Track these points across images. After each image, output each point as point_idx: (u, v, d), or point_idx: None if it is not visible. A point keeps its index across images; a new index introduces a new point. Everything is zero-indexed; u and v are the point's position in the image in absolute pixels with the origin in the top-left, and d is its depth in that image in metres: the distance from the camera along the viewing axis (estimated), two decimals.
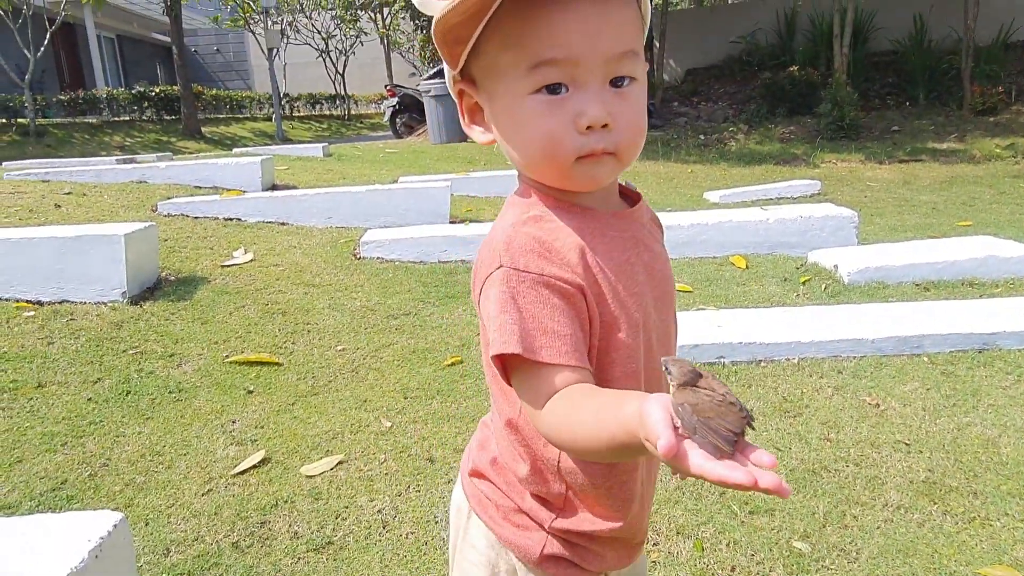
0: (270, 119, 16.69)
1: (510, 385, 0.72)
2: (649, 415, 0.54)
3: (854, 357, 2.66)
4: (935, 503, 1.80)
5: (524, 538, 0.82)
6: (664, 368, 0.61)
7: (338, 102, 21.44)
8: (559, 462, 0.78)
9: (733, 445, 0.54)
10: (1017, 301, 3.03)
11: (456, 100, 0.78)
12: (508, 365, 0.70)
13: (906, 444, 2.08)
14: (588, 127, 0.68)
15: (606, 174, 0.73)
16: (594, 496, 0.80)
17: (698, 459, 0.52)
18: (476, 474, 0.87)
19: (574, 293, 0.70)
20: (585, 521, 0.80)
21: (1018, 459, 1.97)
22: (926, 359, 2.62)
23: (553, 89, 0.68)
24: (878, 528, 1.72)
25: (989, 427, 2.14)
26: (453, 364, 2.75)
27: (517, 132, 0.72)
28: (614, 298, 0.73)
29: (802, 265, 3.85)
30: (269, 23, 15.78)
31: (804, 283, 3.57)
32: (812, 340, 2.70)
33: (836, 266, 3.59)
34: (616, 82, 0.69)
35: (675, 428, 0.54)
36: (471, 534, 0.87)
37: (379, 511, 1.88)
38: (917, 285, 3.42)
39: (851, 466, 1.99)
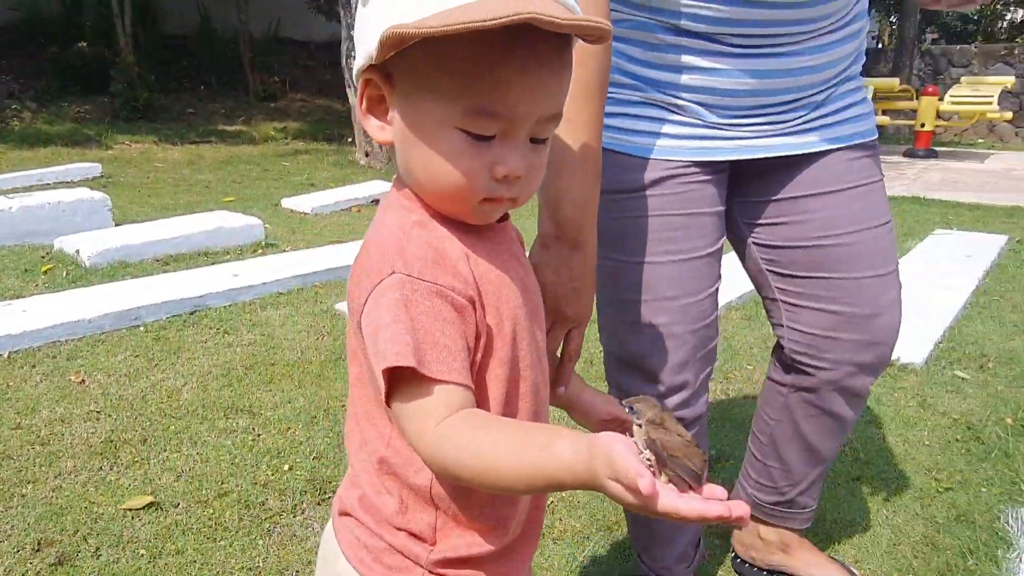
0: None
1: (388, 405, 0.65)
2: (620, 455, 0.54)
3: (72, 339, 2.71)
4: (107, 459, 1.99)
5: None
6: (628, 409, 0.64)
7: None
8: (431, 489, 0.72)
9: (698, 482, 0.58)
10: (225, 266, 3.55)
11: (356, 80, 0.69)
12: (392, 381, 0.63)
13: (97, 412, 2.23)
14: (504, 176, 0.66)
15: (499, 214, 0.73)
16: (471, 517, 0.74)
17: (671, 497, 0.54)
18: (345, 514, 0.78)
19: (466, 305, 0.67)
20: (462, 546, 0.74)
21: (193, 400, 2.32)
22: (143, 328, 2.85)
23: (480, 136, 0.65)
24: (44, 499, 1.81)
25: (178, 379, 2.47)
26: None
27: (429, 158, 0.67)
28: (495, 312, 0.70)
29: (48, 254, 3.70)
30: None
31: (46, 272, 3.45)
32: (24, 331, 2.63)
33: (78, 251, 3.57)
34: (535, 139, 0.67)
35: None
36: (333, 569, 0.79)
37: None
38: (158, 261, 3.67)
39: (36, 447, 2.03)
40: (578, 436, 0.58)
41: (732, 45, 1.09)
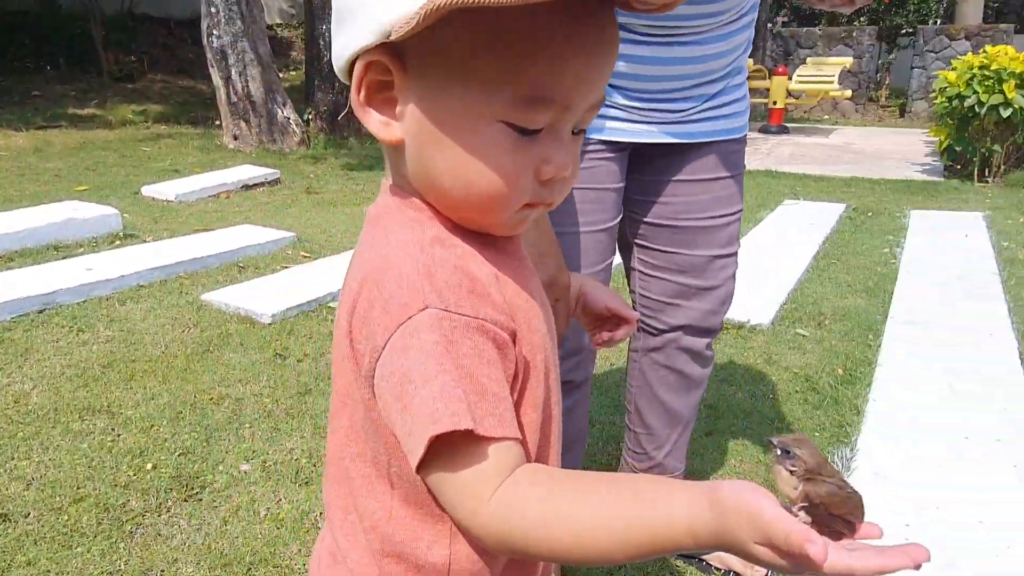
0: None
1: (417, 472, 0.52)
2: (776, 520, 0.44)
3: None
4: None
5: None
6: (782, 451, 0.51)
7: None
8: (449, 567, 0.61)
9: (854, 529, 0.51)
10: (78, 260, 3.34)
11: (347, 71, 0.56)
12: (434, 445, 0.50)
13: None
14: (548, 179, 0.55)
15: (524, 226, 0.61)
16: None
17: (842, 556, 0.45)
18: None
19: (507, 341, 0.56)
20: None
21: (43, 404, 2.19)
22: None
23: (526, 131, 0.53)
24: None
25: (26, 382, 2.32)
26: None
27: (460, 159, 0.53)
28: (529, 344, 0.59)
29: None
30: None
31: None
32: None
33: None
34: (576, 130, 0.56)
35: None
36: None
37: None
38: (1, 257, 3.40)
39: None
40: (690, 489, 0.48)
41: (644, 34, 1.17)
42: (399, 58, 0.53)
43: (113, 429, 2.07)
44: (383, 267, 0.55)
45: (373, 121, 0.56)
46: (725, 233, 1.38)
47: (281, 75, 8.02)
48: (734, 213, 1.39)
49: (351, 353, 0.57)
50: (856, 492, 0.50)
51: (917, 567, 0.45)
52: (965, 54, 6.37)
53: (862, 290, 3.42)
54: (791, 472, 0.50)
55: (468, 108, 0.52)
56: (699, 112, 1.29)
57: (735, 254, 1.43)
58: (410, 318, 0.52)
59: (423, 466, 0.51)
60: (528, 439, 0.59)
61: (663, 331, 1.44)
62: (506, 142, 0.53)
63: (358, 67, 0.54)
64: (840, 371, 2.56)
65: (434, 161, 0.55)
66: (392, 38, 0.50)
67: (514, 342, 0.56)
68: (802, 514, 0.48)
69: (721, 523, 0.46)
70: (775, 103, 9.33)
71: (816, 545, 0.42)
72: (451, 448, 0.50)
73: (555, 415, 0.64)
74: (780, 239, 4.21)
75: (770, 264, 3.67)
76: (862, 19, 12.08)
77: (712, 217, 1.36)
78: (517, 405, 0.58)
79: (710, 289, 1.40)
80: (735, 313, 2.66)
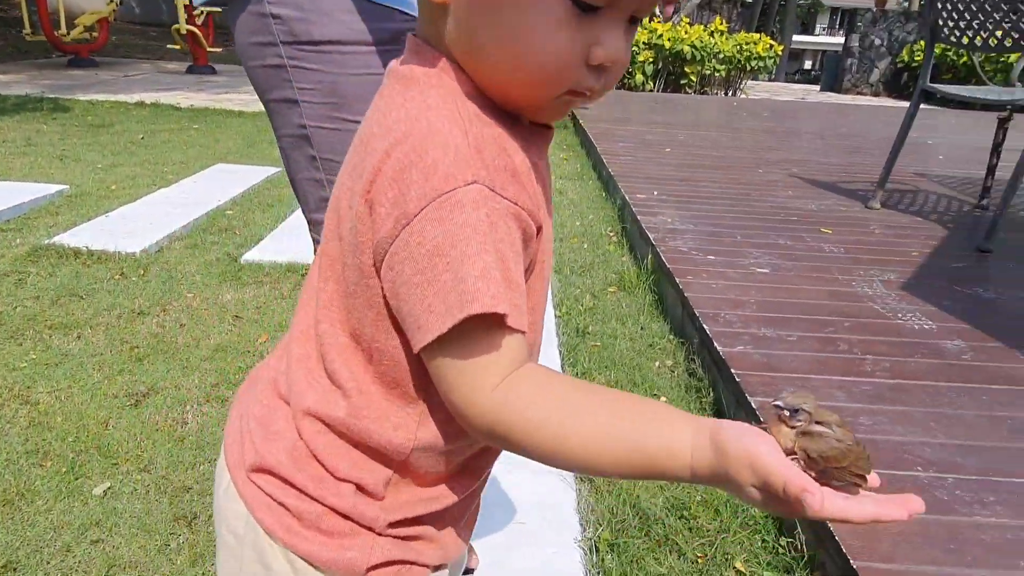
0: None
1: (420, 350, 0.51)
2: (773, 466, 0.45)
3: None
4: None
5: (345, 550, 0.60)
6: (779, 406, 0.48)
7: None
8: (410, 452, 0.59)
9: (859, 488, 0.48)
10: None
11: None
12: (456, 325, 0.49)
13: None
14: (599, 64, 0.52)
15: (565, 114, 0.58)
16: (438, 475, 0.62)
17: (837, 502, 0.45)
18: (262, 471, 0.61)
19: (533, 234, 0.54)
20: (421, 503, 0.62)
21: None
22: None
23: (585, 8, 0.50)
24: None
25: None
26: None
27: (513, 29, 0.50)
28: (546, 239, 0.58)
29: None
30: None
31: None
32: None
33: None
34: (634, 19, 0.54)
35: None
36: (266, 563, 0.61)
37: None
38: None
39: None
40: (694, 424, 0.48)
41: None
42: None
43: None
44: (426, 131, 0.51)
45: None
46: None
47: None
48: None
49: (367, 215, 0.52)
50: (858, 443, 0.48)
51: (911, 518, 0.45)
52: None
53: None
54: (790, 423, 0.48)
55: None
56: None
57: None
58: (455, 189, 0.49)
59: (431, 344, 0.50)
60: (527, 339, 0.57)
61: None
62: (562, 16, 0.49)
63: None
64: None
65: (482, 28, 0.51)
66: None
67: (539, 237, 0.55)
68: (812, 458, 0.47)
69: (721, 464, 0.46)
70: None
71: (813, 496, 0.43)
72: (471, 331, 0.49)
73: (539, 325, 0.62)
74: None
75: None
76: None
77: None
78: (530, 287, 0.57)
79: None
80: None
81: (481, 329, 0.49)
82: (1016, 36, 2.85)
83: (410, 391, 0.57)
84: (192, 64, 9.60)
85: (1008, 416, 1.69)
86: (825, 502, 0.43)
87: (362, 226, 0.53)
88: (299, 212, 3.66)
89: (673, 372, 2.21)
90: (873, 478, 0.49)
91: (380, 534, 0.61)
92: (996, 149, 3.69)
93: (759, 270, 2.63)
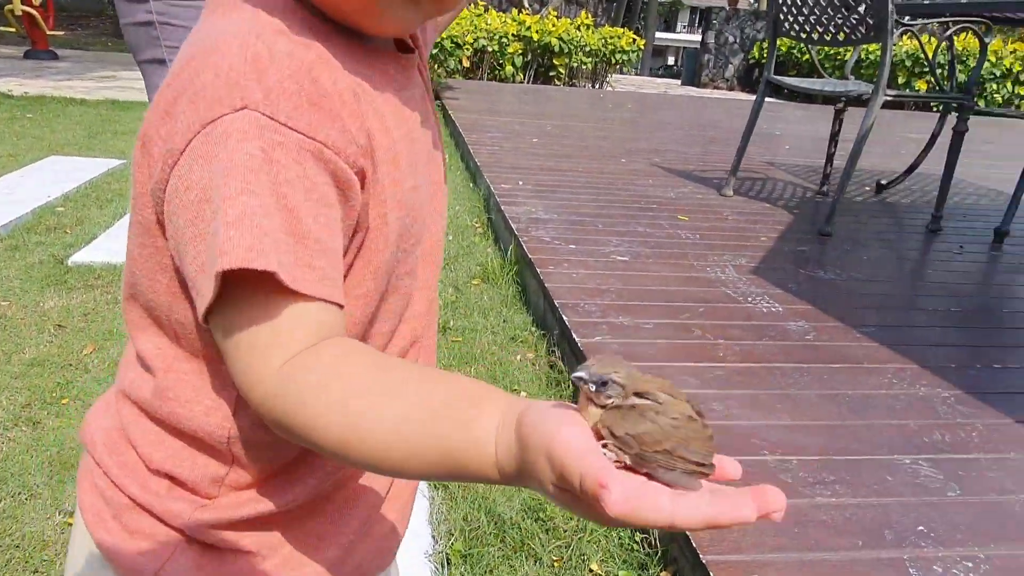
0: None
1: (205, 320, 0.40)
2: (569, 455, 0.32)
3: None
4: None
5: (138, 553, 0.50)
6: (581, 377, 0.35)
7: None
8: (228, 440, 0.49)
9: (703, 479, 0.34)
10: None
11: None
12: (225, 283, 0.38)
13: None
14: None
15: (417, 23, 0.47)
16: (273, 471, 0.51)
17: (661, 501, 0.32)
18: (93, 438, 0.54)
19: (352, 180, 0.42)
20: (248, 503, 0.50)
21: None
22: None
23: None
24: None
25: None
26: None
27: None
28: (390, 186, 0.45)
29: None
30: None
31: None
32: None
33: None
34: None
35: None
36: (73, 548, 0.56)
37: None
38: None
39: None
40: (507, 405, 0.38)
41: None
42: None
43: None
44: (208, 51, 0.42)
45: None
46: None
47: None
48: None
49: (142, 159, 0.45)
50: (694, 419, 0.36)
51: (765, 517, 0.33)
52: None
53: None
54: (595, 397, 0.36)
55: None
56: None
57: None
58: (222, 116, 0.40)
59: (211, 312, 0.41)
60: (356, 312, 0.48)
61: None
62: None
63: None
64: None
65: None
66: None
67: (364, 184, 0.45)
68: (610, 452, 0.35)
69: (522, 459, 0.36)
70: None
71: (610, 492, 0.31)
72: (250, 295, 0.40)
73: (402, 290, 0.51)
74: None
75: None
76: None
77: None
78: (371, 246, 0.47)
79: None
80: None
81: (259, 294, 0.40)
82: (848, 31, 3.03)
83: (223, 370, 0.45)
84: (30, 49, 8.70)
85: (846, 393, 1.77)
86: (632, 501, 0.31)
87: (140, 173, 0.45)
88: None
89: (535, 365, 2.17)
90: (729, 466, 0.37)
91: (189, 538, 0.51)
92: (833, 138, 3.94)
93: (619, 258, 2.66)
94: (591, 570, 1.35)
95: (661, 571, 1.32)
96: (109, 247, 2.88)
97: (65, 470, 1.62)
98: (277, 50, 0.42)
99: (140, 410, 0.52)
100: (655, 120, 6.91)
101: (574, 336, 1.98)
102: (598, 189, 3.73)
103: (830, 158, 4.00)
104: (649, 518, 0.32)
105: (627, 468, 0.34)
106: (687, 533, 1.24)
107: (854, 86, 3.55)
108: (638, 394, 0.35)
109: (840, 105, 3.79)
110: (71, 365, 2.06)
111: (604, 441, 0.35)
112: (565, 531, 1.44)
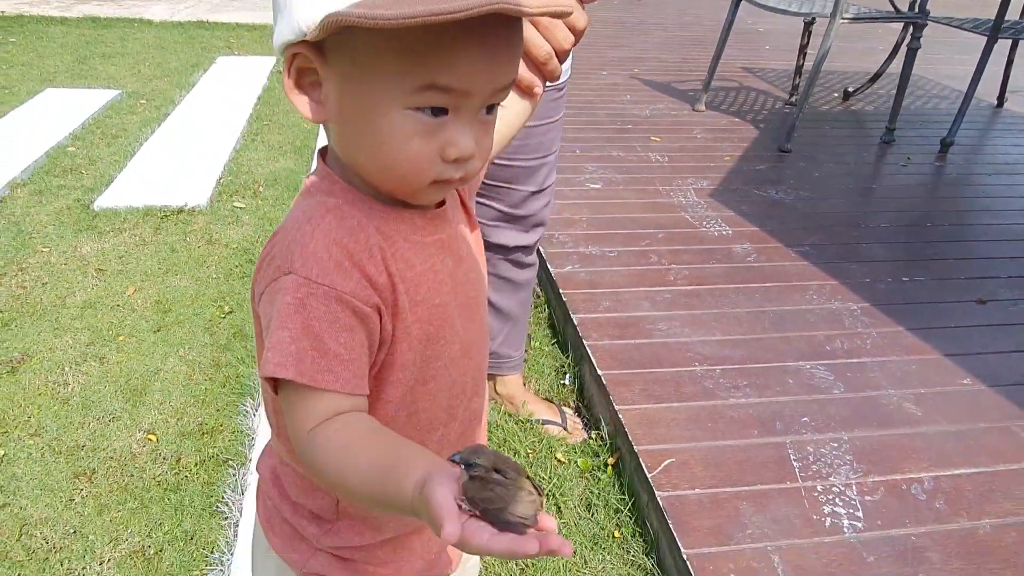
0: None
1: (276, 395, 0.64)
2: (434, 501, 0.48)
3: None
4: None
5: (292, 551, 0.80)
6: (465, 465, 0.52)
7: None
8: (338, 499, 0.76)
9: (527, 529, 0.51)
10: None
11: (281, 54, 0.63)
12: (278, 382, 0.62)
13: None
14: (455, 159, 0.62)
15: (445, 195, 0.70)
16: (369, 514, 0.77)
17: (483, 536, 0.48)
18: (262, 471, 0.83)
19: (368, 313, 0.63)
20: (357, 535, 0.77)
21: None
22: None
23: (435, 111, 0.60)
24: None
25: None
26: None
27: (374, 142, 0.62)
28: (408, 314, 0.67)
29: None
30: None
31: None
32: None
33: None
34: (488, 108, 0.64)
35: (461, 508, 0.50)
36: (255, 541, 0.87)
37: None
38: None
39: None
40: (427, 472, 0.51)
41: None
42: (320, 50, 0.61)
43: None
44: (280, 230, 0.65)
45: (301, 103, 0.64)
46: (542, 172, 1.60)
47: None
48: (550, 155, 1.60)
49: (252, 293, 0.68)
50: (529, 492, 0.52)
51: (540, 552, 0.47)
52: None
53: (291, 151, 3.54)
54: (471, 476, 0.51)
55: (376, 97, 0.59)
56: None
57: (548, 189, 1.65)
58: (278, 279, 0.62)
59: (276, 391, 0.62)
60: (390, 393, 0.69)
61: (488, 249, 1.66)
62: (412, 127, 0.60)
63: (287, 55, 0.62)
64: None
65: (353, 141, 0.64)
66: (308, 38, 0.59)
67: (381, 315, 0.64)
68: (466, 506, 0.50)
69: (420, 506, 0.50)
70: None
71: (451, 523, 0.46)
72: (292, 389, 0.61)
73: (441, 375, 0.72)
74: (216, 104, 4.09)
75: (206, 135, 3.65)
76: None
77: (534, 158, 1.56)
78: (385, 365, 0.67)
79: (526, 217, 1.65)
80: (173, 199, 2.94)
81: (294, 391, 0.61)
82: None
83: None
84: None
85: (772, 310, 2.12)
86: (467, 533, 0.47)
87: (253, 304, 0.69)
88: (148, 145, 3.57)
89: None
90: (546, 522, 0.51)
91: (318, 549, 0.78)
92: (802, 50, 4.08)
93: (592, 186, 2.93)
94: (557, 459, 1.75)
95: (609, 457, 1.72)
96: (128, 191, 3.09)
97: (136, 396, 1.96)
98: (320, 228, 0.63)
99: (279, 459, 0.79)
100: (640, 19, 6.81)
101: (549, 267, 2.29)
102: (579, 108, 3.84)
103: (799, 70, 4.15)
104: (472, 544, 0.47)
105: (477, 517, 0.50)
106: (626, 429, 1.62)
107: (820, 5, 3.68)
108: (496, 470, 0.51)
109: (808, 18, 3.90)
110: (118, 306, 2.35)
111: (461, 499, 0.50)
112: (537, 432, 1.83)
